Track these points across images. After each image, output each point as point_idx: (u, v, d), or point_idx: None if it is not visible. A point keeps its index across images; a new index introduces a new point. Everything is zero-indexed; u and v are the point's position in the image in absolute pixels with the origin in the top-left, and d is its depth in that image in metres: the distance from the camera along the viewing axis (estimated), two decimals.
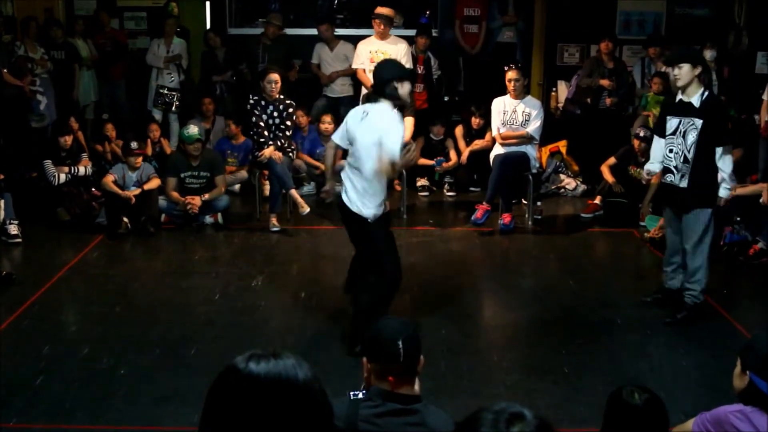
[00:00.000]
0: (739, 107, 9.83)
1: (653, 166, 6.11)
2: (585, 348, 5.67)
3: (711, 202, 5.79)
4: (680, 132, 5.76)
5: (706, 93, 5.72)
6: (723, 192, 5.78)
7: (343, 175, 5.42)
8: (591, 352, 5.61)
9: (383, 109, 5.21)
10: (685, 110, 5.74)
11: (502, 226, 8.11)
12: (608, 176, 8.69)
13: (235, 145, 9.34)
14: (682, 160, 5.76)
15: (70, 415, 4.68)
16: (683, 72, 5.66)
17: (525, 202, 8.78)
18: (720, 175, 5.72)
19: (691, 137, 5.69)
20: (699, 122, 5.65)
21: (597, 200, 8.75)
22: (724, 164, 5.72)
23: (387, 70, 5.32)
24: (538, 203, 8.73)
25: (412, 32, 10.24)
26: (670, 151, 5.83)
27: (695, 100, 5.69)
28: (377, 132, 5.07)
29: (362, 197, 5.27)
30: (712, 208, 5.81)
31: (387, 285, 5.48)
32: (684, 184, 5.77)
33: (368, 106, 5.36)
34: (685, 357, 5.57)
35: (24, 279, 6.81)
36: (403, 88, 5.27)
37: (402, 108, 5.59)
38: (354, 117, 5.40)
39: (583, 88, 9.86)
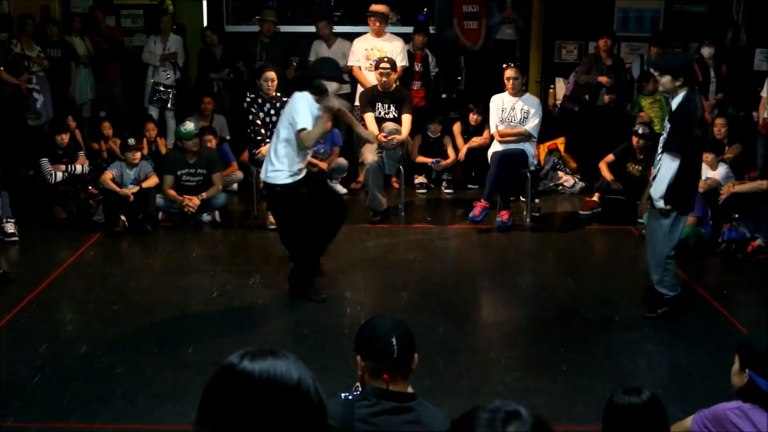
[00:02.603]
0: (738, 104, 9.82)
1: None
2: (583, 346, 5.67)
3: (679, 207, 5.77)
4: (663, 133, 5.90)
5: (681, 100, 5.70)
6: (656, 203, 5.75)
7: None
8: (589, 351, 5.61)
9: (303, 95, 6.09)
10: (669, 113, 5.88)
11: (500, 224, 8.10)
12: (606, 173, 8.67)
13: None
14: (659, 159, 5.86)
15: (67, 414, 4.67)
16: (664, 81, 5.76)
17: (523, 199, 8.77)
18: (654, 183, 5.73)
19: (663, 138, 5.81)
20: (668, 126, 5.76)
21: (595, 197, 8.74)
22: (660, 169, 5.69)
23: (321, 69, 6.30)
24: (536, 201, 8.72)
25: (409, 29, 10.22)
26: (658, 149, 5.96)
27: (674, 104, 5.77)
28: (291, 111, 6.06)
29: (273, 164, 6.12)
30: (676, 212, 5.79)
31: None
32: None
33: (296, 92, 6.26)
34: (683, 354, 5.57)
35: (21, 277, 6.80)
36: (331, 87, 6.20)
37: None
38: None
39: (581, 85, 9.85)
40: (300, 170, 6.21)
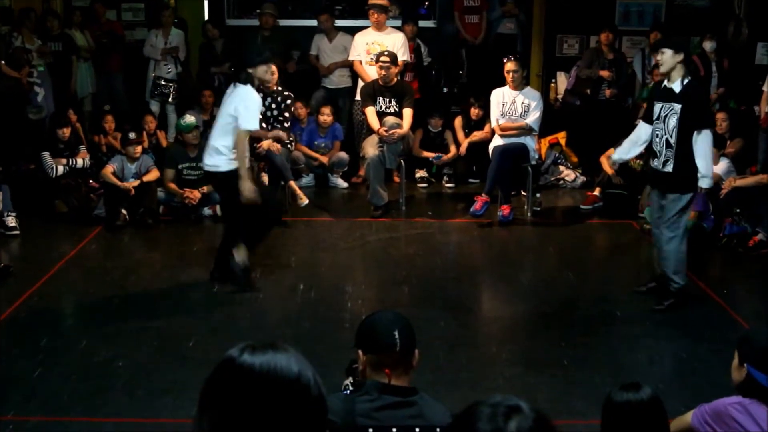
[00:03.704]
0: (739, 98, 9.80)
1: (617, 156, 6.57)
2: (584, 341, 5.66)
3: (693, 187, 5.86)
4: (662, 117, 5.87)
5: (688, 79, 5.79)
6: (702, 182, 5.81)
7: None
8: (590, 345, 5.61)
9: (249, 91, 6.11)
10: (667, 96, 5.84)
11: (501, 218, 8.09)
12: (608, 168, 8.64)
13: None
14: (664, 145, 5.87)
15: (67, 408, 4.67)
16: (665, 58, 5.78)
17: (524, 193, 8.76)
18: (699, 163, 5.76)
19: (672, 122, 5.80)
20: (678, 107, 5.75)
21: (596, 192, 8.73)
22: (700, 149, 5.74)
23: (247, 58, 6.36)
24: (537, 195, 8.71)
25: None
26: (656, 135, 5.95)
27: (676, 86, 5.78)
28: (239, 105, 6.05)
29: (218, 153, 6.14)
30: (692, 193, 5.90)
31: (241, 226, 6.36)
32: (669, 168, 5.86)
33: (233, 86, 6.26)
34: (684, 349, 5.56)
35: (21, 271, 6.79)
36: (257, 72, 6.21)
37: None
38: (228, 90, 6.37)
39: (582, 79, 9.83)
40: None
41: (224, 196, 6.55)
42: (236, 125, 6.05)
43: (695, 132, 5.71)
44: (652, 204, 6.27)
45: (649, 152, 6.24)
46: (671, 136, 5.79)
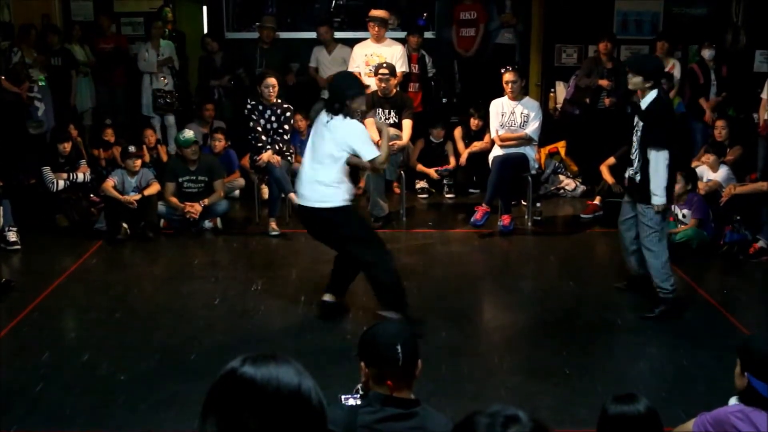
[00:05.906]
0: (738, 106, 9.82)
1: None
2: (586, 349, 5.66)
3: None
4: (634, 131, 6.00)
5: (654, 97, 5.83)
6: (653, 199, 5.83)
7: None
8: (592, 354, 5.61)
9: (353, 124, 5.67)
10: (638, 111, 5.99)
11: (501, 228, 8.10)
12: (608, 176, 8.67)
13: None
14: (634, 156, 6.00)
15: (70, 421, 4.67)
16: (635, 81, 5.88)
17: (524, 203, 8.77)
18: (651, 181, 5.79)
19: (636, 137, 5.93)
20: (641, 124, 5.88)
21: (596, 201, 8.74)
22: (653, 167, 5.77)
23: (342, 88, 5.76)
24: (538, 204, 8.72)
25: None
26: (632, 146, 6.06)
27: (643, 103, 5.88)
28: (344, 141, 5.62)
29: (325, 186, 5.66)
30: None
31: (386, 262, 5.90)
32: (638, 178, 5.96)
33: (328, 116, 5.75)
34: (685, 357, 5.55)
35: (23, 286, 6.80)
36: (355, 104, 5.71)
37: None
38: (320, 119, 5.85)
39: (581, 89, 9.85)
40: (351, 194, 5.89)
41: (340, 231, 5.82)
42: (360, 160, 5.74)
43: (653, 150, 5.76)
44: (623, 207, 6.33)
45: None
46: (638, 150, 5.93)
